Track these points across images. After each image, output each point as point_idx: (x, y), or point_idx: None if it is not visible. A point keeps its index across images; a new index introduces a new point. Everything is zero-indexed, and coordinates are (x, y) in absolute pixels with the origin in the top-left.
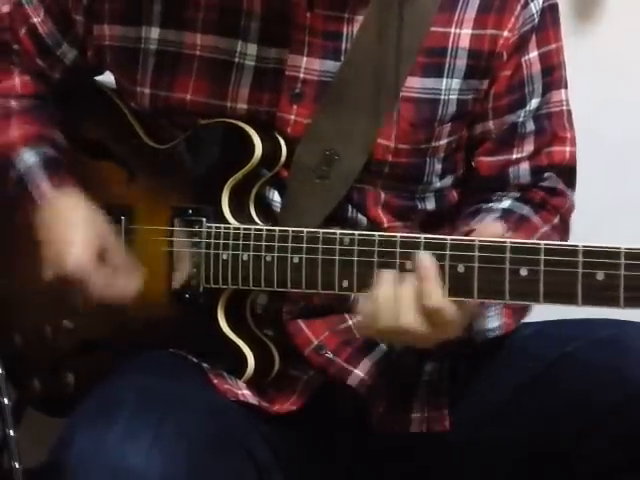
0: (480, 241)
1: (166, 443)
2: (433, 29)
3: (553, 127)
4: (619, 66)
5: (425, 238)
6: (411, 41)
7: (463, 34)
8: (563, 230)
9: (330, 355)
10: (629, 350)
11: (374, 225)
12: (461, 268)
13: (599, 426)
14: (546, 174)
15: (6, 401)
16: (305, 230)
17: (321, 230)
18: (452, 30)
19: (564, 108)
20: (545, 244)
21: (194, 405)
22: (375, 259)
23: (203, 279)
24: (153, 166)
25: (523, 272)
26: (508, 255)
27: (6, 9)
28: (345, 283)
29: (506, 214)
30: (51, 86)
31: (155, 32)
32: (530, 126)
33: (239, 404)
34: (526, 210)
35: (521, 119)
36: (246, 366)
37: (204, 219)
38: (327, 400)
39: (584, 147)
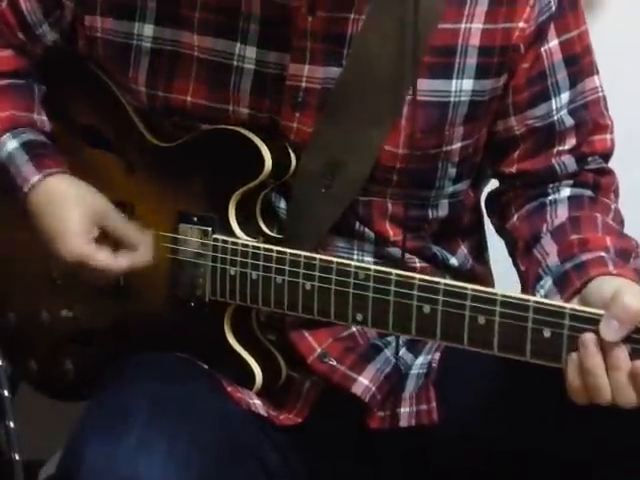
0: (502, 295)
1: (180, 454)
2: (441, 26)
3: (593, 116)
4: (619, 64)
5: (445, 284)
6: (417, 40)
7: (474, 29)
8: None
9: (334, 362)
10: None
11: (380, 238)
12: (482, 320)
13: (592, 422)
14: (590, 158)
15: (6, 393)
16: (318, 257)
17: (335, 259)
18: (462, 26)
19: (600, 95)
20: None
21: (205, 412)
22: (391, 298)
23: (209, 291)
24: (155, 163)
25: (547, 333)
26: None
27: None
28: (359, 317)
29: (574, 201)
30: (35, 61)
31: (149, 29)
32: (569, 121)
33: (249, 412)
34: (588, 192)
35: (555, 116)
36: (254, 380)
37: (210, 228)
38: (332, 407)
39: None
